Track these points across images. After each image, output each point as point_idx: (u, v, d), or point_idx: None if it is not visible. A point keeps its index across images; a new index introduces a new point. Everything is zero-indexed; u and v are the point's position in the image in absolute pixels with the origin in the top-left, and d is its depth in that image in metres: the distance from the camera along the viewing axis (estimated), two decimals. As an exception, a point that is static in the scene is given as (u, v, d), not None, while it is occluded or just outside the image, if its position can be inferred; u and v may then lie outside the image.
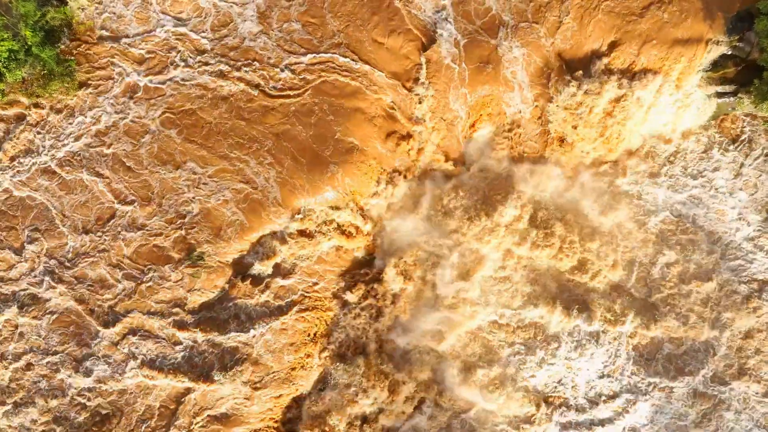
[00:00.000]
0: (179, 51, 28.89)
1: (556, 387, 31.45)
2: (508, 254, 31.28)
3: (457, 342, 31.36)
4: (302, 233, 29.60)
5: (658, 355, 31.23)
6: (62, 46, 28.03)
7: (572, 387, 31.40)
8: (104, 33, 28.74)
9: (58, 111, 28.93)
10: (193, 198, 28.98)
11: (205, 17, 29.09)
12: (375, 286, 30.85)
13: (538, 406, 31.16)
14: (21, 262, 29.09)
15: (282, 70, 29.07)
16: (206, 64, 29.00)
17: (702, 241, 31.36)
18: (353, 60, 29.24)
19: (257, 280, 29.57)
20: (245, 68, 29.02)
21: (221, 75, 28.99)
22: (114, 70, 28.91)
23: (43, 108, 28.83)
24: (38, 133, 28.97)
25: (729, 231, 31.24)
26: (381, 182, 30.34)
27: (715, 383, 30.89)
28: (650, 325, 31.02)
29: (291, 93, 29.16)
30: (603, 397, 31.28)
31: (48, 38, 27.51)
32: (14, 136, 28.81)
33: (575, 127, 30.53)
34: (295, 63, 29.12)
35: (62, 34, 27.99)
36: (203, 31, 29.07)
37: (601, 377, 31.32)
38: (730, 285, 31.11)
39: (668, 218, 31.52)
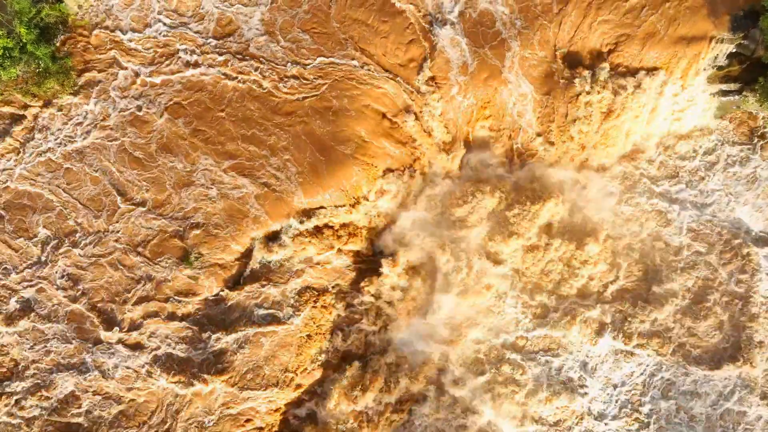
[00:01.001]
0: (184, 49, 28.38)
1: (578, 400, 30.23)
2: (520, 273, 30.59)
3: (469, 348, 30.56)
4: (324, 227, 29.51)
5: (687, 377, 29.71)
6: (58, 44, 27.55)
7: (591, 401, 30.18)
8: (103, 30, 28.26)
9: (63, 107, 28.38)
10: (211, 192, 28.56)
11: (208, 22, 28.60)
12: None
13: (557, 422, 30.21)
14: (33, 256, 28.53)
15: (292, 66, 28.64)
16: (213, 61, 28.52)
17: (727, 254, 29.92)
18: (366, 65, 28.70)
19: (283, 270, 29.41)
20: (254, 69, 28.55)
21: (229, 72, 28.56)
22: (116, 66, 28.40)
23: (46, 104, 28.28)
24: (46, 128, 28.46)
25: (750, 243, 29.82)
26: (394, 182, 29.96)
27: (750, 404, 29.10)
28: (681, 342, 29.65)
29: (303, 92, 28.68)
30: (625, 416, 29.94)
31: (43, 36, 27.02)
32: (19, 132, 28.26)
33: (583, 148, 30.35)
34: (307, 65, 28.67)
35: (58, 31, 27.52)
36: (207, 33, 28.58)
37: (624, 395, 30.03)
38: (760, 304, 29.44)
39: (691, 228, 30.24)
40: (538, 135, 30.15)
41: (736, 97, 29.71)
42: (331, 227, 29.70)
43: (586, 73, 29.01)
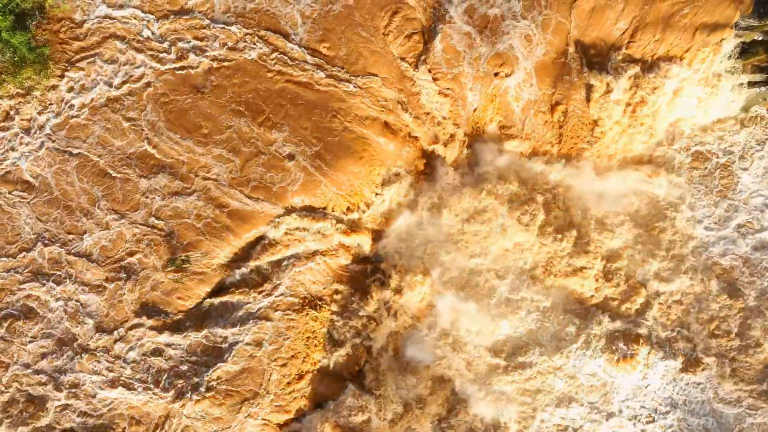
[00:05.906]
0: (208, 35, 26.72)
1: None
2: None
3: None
4: (323, 227, 27.87)
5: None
6: (34, 31, 25.94)
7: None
8: (95, 19, 26.66)
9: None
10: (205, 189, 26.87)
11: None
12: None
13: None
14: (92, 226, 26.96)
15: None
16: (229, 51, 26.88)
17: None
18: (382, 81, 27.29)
19: (277, 272, 27.81)
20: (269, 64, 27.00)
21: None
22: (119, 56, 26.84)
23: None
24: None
25: None
26: (398, 182, 28.57)
27: None
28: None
29: (307, 92, 27.05)
30: None
31: (19, 23, 25.41)
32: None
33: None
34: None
35: (34, 18, 25.92)
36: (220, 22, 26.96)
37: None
38: None
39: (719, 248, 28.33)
40: (551, 131, 28.43)
41: (763, 88, 27.73)
42: (331, 226, 27.80)
43: (603, 70, 27.36)
